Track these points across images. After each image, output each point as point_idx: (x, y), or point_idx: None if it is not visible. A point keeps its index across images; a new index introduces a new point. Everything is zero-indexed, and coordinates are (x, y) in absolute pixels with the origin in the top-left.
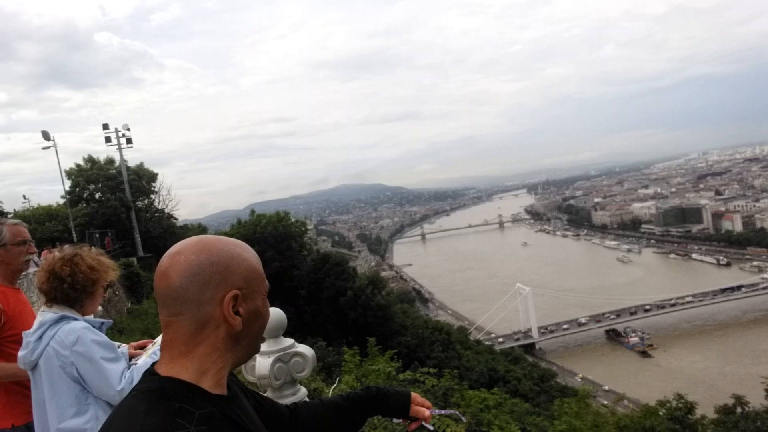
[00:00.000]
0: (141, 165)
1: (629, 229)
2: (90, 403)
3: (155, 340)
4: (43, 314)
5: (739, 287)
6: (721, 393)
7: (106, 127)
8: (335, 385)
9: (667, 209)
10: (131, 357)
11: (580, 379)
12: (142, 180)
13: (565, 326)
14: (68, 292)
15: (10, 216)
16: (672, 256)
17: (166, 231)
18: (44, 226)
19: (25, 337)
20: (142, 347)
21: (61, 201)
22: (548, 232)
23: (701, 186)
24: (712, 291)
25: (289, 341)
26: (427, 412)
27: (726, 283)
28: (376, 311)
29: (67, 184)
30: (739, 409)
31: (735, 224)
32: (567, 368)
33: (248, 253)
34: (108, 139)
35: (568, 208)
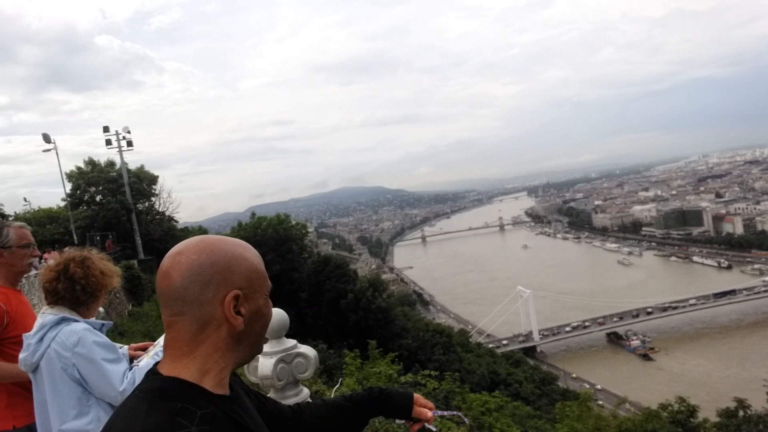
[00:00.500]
0: (141, 168)
1: (630, 231)
2: (92, 405)
3: (157, 341)
4: (44, 316)
5: (732, 291)
6: (724, 396)
7: (106, 129)
8: (337, 386)
9: (668, 212)
10: (132, 358)
11: (573, 377)
12: (143, 183)
13: (567, 329)
14: (79, 294)
15: (11, 218)
16: (673, 258)
17: (166, 233)
18: (45, 228)
19: (26, 339)
20: (143, 349)
21: (62, 203)
22: (549, 235)
23: (702, 188)
24: (713, 294)
25: (292, 342)
26: (429, 414)
27: (724, 287)
28: (377, 314)
29: (68, 186)
30: (741, 413)
31: (736, 227)
32: (567, 371)
33: (250, 253)
34: (108, 142)
35: (569, 210)
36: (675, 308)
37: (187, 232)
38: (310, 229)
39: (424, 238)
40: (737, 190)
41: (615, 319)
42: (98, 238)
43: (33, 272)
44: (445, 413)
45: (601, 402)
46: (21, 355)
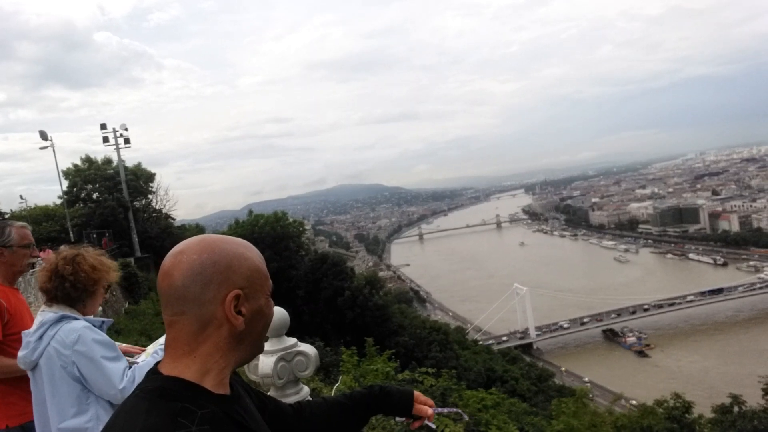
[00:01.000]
0: (139, 165)
1: (626, 229)
2: (91, 403)
3: (157, 340)
4: (43, 314)
5: (720, 289)
6: (719, 393)
7: (104, 127)
8: (337, 384)
9: (665, 209)
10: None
11: (564, 371)
12: (140, 180)
13: (565, 325)
14: (69, 291)
15: (7, 216)
16: (669, 256)
17: (163, 231)
18: (41, 226)
19: (25, 337)
20: (127, 353)
21: (59, 201)
22: (546, 232)
23: (698, 186)
24: (701, 292)
25: (292, 340)
26: (429, 411)
27: (718, 284)
28: (374, 311)
29: (65, 184)
30: (736, 409)
31: (732, 224)
32: (564, 368)
33: (251, 253)
34: (106, 139)
35: (566, 208)
36: (671, 305)
37: (184, 229)
38: (307, 227)
39: (421, 236)
40: (734, 188)
41: (613, 315)
42: (95, 235)
43: (29, 270)
44: (445, 410)
45: (596, 397)
46: (20, 353)
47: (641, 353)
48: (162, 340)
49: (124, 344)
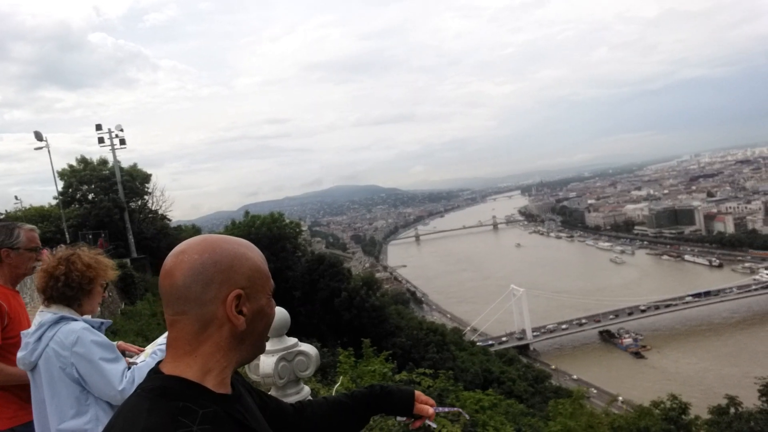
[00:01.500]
0: (134, 166)
1: (622, 230)
2: (90, 404)
3: (156, 340)
4: (42, 315)
5: (707, 292)
6: (715, 394)
7: (99, 127)
8: (337, 384)
9: (660, 211)
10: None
11: (553, 369)
12: (136, 181)
13: (564, 326)
14: (64, 290)
15: (1, 216)
16: (665, 257)
17: (159, 232)
18: (37, 227)
19: (24, 338)
20: (125, 351)
21: (54, 202)
22: (542, 234)
23: (693, 188)
24: (689, 294)
25: (293, 340)
26: (431, 410)
27: (713, 286)
28: (371, 312)
29: (60, 184)
30: (732, 410)
31: (727, 226)
32: (560, 369)
33: (253, 253)
34: (101, 140)
35: (562, 209)
36: (668, 306)
37: (180, 230)
38: (303, 228)
39: (417, 237)
40: (728, 190)
41: (611, 317)
42: (90, 236)
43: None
44: (446, 409)
45: (593, 399)
46: (19, 354)
47: (637, 354)
48: (161, 340)
49: (122, 342)
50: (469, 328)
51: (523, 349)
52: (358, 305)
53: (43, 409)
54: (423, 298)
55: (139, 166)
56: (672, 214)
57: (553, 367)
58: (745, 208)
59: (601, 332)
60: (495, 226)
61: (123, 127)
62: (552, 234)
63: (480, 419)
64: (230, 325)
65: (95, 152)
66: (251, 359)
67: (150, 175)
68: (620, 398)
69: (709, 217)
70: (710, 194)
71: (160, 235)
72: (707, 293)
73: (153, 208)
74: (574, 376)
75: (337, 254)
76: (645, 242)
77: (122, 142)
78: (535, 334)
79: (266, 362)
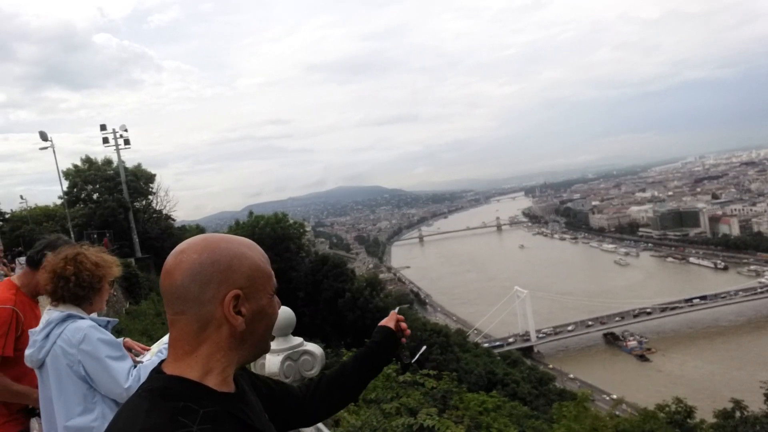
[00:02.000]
0: (139, 166)
1: (627, 232)
2: (97, 402)
3: (161, 339)
4: (50, 313)
5: (704, 296)
6: (721, 398)
7: (103, 128)
8: None
9: (665, 213)
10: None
11: (551, 368)
12: (140, 181)
13: (570, 328)
14: (75, 290)
15: (7, 215)
16: (669, 259)
17: (164, 232)
18: (42, 226)
19: (32, 336)
20: (130, 348)
21: (59, 201)
22: (546, 235)
23: (698, 190)
24: (685, 299)
25: (298, 340)
26: (403, 324)
27: (716, 289)
28: (375, 313)
29: (65, 184)
30: (738, 414)
31: (732, 228)
32: (564, 371)
33: (253, 252)
34: (105, 140)
35: (566, 211)
36: (673, 309)
37: (185, 230)
38: (307, 228)
39: (421, 238)
40: (733, 192)
41: (617, 319)
42: (95, 236)
43: None
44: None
45: (598, 402)
46: (27, 351)
47: (642, 357)
48: (166, 338)
49: (129, 339)
50: (473, 329)
51: (527, 351)
52: (361, 306)
53: (51, 406)
54: (426, 299)
55: (143, 167)
56: (677, 216)
57: (550, 366)
58: (751, 210)
59: (605, 335)
60: (499, 227)
61: (127, 127)
62: (556, 236)
63: (484, 421)
64: (229, 325)
65: (100, 152)
66: (254, 359)
67: (154, 175)
68: (623, 403)
69: (714, 219)
70: (715, 196)
71: (164, 235)
72: (704, 297)
73: (157, 208)
74: (571, 375)
75: (341, 255)
76: (649, 244)
77: (126, 142)
78: (540, 335)
79: (272, 361)
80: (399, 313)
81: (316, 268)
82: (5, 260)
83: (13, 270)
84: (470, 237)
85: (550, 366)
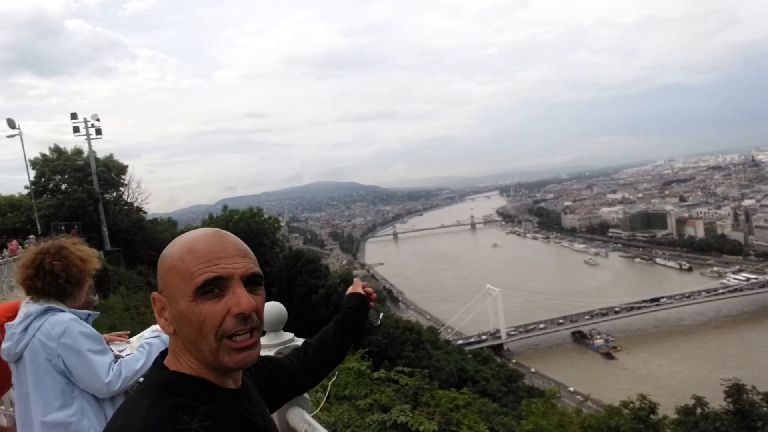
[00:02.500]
0: (110, 156)
1: (597, 232)
2: (76, 396)
3: (143, 332)
4: (28, 305)
5: (658, 298)
6: (683, 395)
7: (74, 116)
8: (334, 378)
9: (634, 214)
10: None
11: (514, 362)
12: (111, 172)
13: (542, 326)
14: (64, 286)
15: None
16: (637, 260)
17: (134, 225)
18: (6, 216)
19: (9, 329)
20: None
21: (25, 191)
22: (519, 234)
23: (667, 192)
24: (643, 300)
25: (289, 335)
26: (369, 289)
27: (677, 290)
28: (325, 327)
29: (32, 174)
30: (699, 410)
31: (697, 230)
32: (525, 365)
33: (174, 249)
34: (76, 129)
35: (539, 210)
36: (640, 308)
37: (156, 223)
38: (282, 224)
39: (395, 235)
40: (700, 195)
41: (587, 317)
42: (63, 227)
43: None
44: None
45: (564, 398)
46: (4, 345)
47: (608, 355)
48: (147, 332)
49: (107, 334)
50: (444, 326)
51: (498, 349)
52: (335, 302)
53: (27, 401)
54: (399, 297)
55: (116, 157)
56: (645, 217)
57: (513, 361)
58: (715, 213)
59: (573, 333)
60: (473, 225)
61: (99, 116)
62: (529, 235)
63: (454, 418)
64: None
65: (70, 141)
66: (215, 364)
67: (126, 166)
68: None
69: (681, 222)
70: (682, 199)
71: (135, 228)
72: (658, 299)
73: (128, 200)
74: (532, 369)
75: (315, 251)
76: (619, 245)
77: (98, 131)
78: (512, 333)
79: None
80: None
81: (290, 264)
82: None
83: None
84: (444, 235)
85: (513, 361)
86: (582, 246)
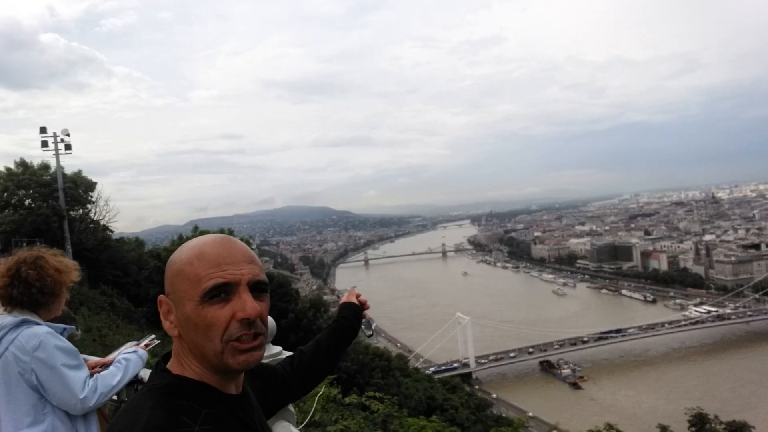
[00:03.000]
0: (79, 173)
1: (566, 263)
2: (47, 413)
3: (121, 348)
4: (3, 317)
5: (618, 330)
6: (649, 424)
7: (43, 130)
8: (321, 391)
9: (601, 246)
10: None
11: (477, 389)
12: (79, 189)
13: (511, 354)
14: (37, 296)
15: None
16: (604, 291)
17: (100, 243)
18: None
19: None
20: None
21: None
22: (489, 263)
23: (632, 225)
24: (600, 332)
25: (278, 348)
26: (362, 299)
27: (647, 321)
28: (318, 335)
29: None
30: None
31: (661, 263)
32: (502, 398)
33: (182, 254)
34: (45, 144)
35: (509, 240)
36: (607, 339)
37: (123, 242)
38: (252, 246)
39: (367, 261)
40: (664, 229)
41: (555, 347)
42: (24, 243)
43: None
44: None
45: (532, 429)
46: None
47: (575, 385)
48: (125, 348)
49: (93, 358)
50: (413, 354)
51: (466, 377)
52: (305, 327)
53: None
54: (369, 323)
55: (84, 174)
56: (612, 249)
57: (477, 388)
58: (678, 247)
59: (541, 362)
60: (444, 253)
61: (70, 132)
62: (499, 264)
63: None
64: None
65: (36, 156)
66: (220, 368)
67: (95, 183)
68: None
69: (646, 254)
70: (647, 232)
71: (100, 247)
72: (618, 330)
73: (95, 218)
74: (494, 395)
75: (285, 275)
76: (586, 276)
77: (68, 147)
78: (482, 361)
79: None
80: None
81: None
82: None
83: None
84: (416, 262)
85: (477, 387)
86: (551, 276)
